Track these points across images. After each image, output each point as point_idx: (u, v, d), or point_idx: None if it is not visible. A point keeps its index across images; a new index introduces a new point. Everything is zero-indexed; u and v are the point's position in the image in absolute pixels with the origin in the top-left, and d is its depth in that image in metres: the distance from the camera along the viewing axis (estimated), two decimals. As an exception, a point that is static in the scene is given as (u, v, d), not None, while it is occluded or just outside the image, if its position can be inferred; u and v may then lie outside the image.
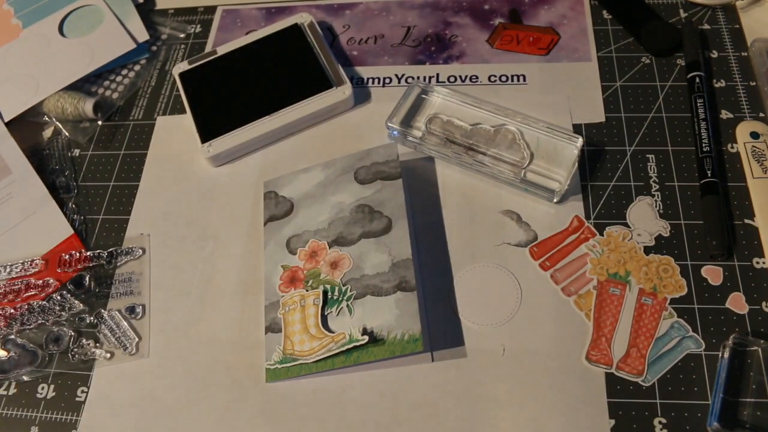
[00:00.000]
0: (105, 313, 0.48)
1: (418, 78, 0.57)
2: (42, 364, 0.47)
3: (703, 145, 0.48)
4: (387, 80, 0.58)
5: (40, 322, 0.48)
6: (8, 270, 0.51)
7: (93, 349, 0.47)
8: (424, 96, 0.53)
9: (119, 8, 0.65)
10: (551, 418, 0.41)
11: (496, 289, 0.46)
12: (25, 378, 0.47)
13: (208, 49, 0.63)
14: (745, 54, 0.55)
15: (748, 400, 0.39)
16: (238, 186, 0.54)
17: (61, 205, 0.55)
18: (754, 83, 0.53)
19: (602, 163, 0.50)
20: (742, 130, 0.50)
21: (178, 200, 0.54)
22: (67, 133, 0.59)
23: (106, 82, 0.62)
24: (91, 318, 0.48)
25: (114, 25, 0.64)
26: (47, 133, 0.60)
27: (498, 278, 0.46)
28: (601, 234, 0.47)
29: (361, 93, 0.57)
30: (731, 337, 0.41)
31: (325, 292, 0.45)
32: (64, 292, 0.49)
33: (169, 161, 0.56)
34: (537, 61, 0.57)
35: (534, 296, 0.45)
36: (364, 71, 0.59)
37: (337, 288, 0.45)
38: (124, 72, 0.63)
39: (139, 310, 0.48)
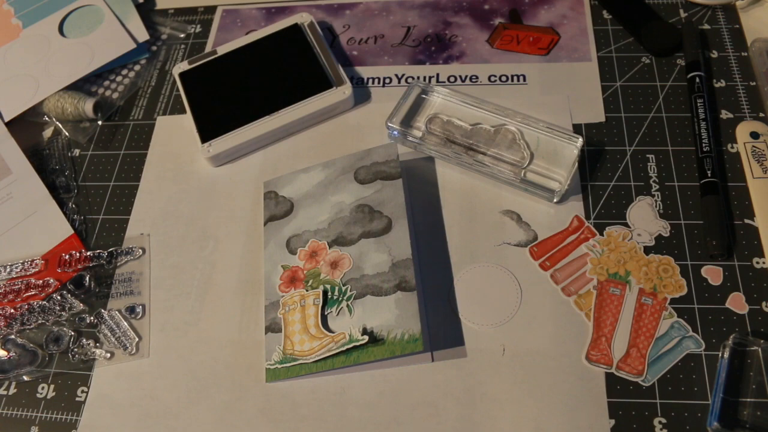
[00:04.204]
0: (105, 313, 0.48)
1: (418, 78, 0.57)
2: (42, 364, 0.47)
3: (703, 145, 0.48)
4: (387, 80, 0.58)
5: (40, 322, 0.48)
6: (8, 270, 0.51)
7: (93, 349, 0.47)
8: (424, 96, 0.53)
9: (119, 8, 0.65)
10: (551, 418, 0.41)
11: (496, 289, 0.46)
12: (25, 378, 0.47)
13: (208, 49, 0.63)
14: (745, 54, 0.55)
15: (748, 400, 0.39)
16: (238, 186, 0.54)
17: (61, 205, 0.55)
18: (754, 83, 0.53)
19: (602, 163, 0.50)
20: (742, 130, 0.50)
21: (178, 200, 0.54)
22: (67, 133, 0.59)
23: (106, 82, 0.62)
24: (91, 318, 0.48)
25: (114, 25, 0.64)
26: (47, 133, 0.60)
27: (498, 278, 0.46)
28: (601, 234, 0.47)
29: (361, 93, 0.57)
30: (731, 337, 0.41)
31: (325, 292, 0.45)
32: (64, 292, 0.49)
33: (169, 161, 0.56)
34: (537, 61, 0.57)
35: (534, 296, 0.45)
36: (364, 71, 0.59)
37: (337, 288, 0.45)
38: (124, 72, 0.63)
39: (139, 310, 0.48)
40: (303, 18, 0.60)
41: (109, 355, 0.47)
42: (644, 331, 0.42)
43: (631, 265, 0.45)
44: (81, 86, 0.61)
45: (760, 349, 0.40)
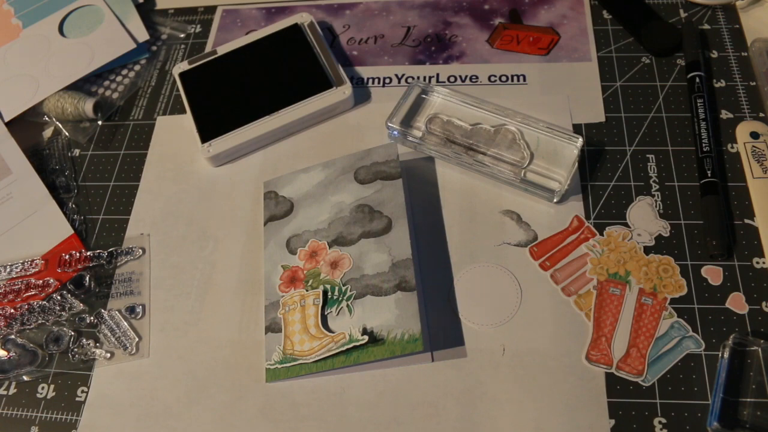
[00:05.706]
0: (105, 313, 0.48)
1: (418, 78, 0.57)
2: (42, 364, 0.47)
3: (703, 145, 0.48)
4: (387, 80, 0.58)
5: (40, 322, 0.48)
6: (8, 270, 0.51)
7: (93, 349, 0.47)
8: (424, 96, 0.53)
9: (119, 8, 0.65)
10: (551, 418, 0.41)
11: (496, 289, 0.46)
12: (25, 378, 0.47)
13: (208, 49, 0.63)
14: (745, 54, 0.55)
15: (748, 400, 0.39)
16: (238, 186, 0.54)
17: (61, 205, 0.55)
18: (754, 83, 0.53)
19: (602, 163, 0.50)
20: (742, 130, 0.50)
21: (178, 200, 0.54)
22: (67, 133, 0.59)
23: (106, 82, 0.62)
24: (91, 318, 0.48)
25: (114, 25, 0.64)
26: (47, 133, 0.60)
27: (498, 278, 0.46)
28: (601, 234, 0.47)
29: (361, 93, 0.57)
30: (731, 337, 0.41)
31: (325, 292, 0.45)
32: (64, 292, 0.49)
33: (169, 161, 0.56)
34: (537, 61, 0.57)
35: (534, 296, 0.45)
36: (364, 71, 0.59)
37: (337, 288, 0.45)
38: (124, 72, 0.63)
39: (139, 310, 0.48)
40: (303, 18, 0.60)
41: (109, 355, 0.47)
42: (644, 331, 0.42)
43: (631, 265, 0.45)
44: (81, 86, 0.61)
45: (760, 349, 0.40)
